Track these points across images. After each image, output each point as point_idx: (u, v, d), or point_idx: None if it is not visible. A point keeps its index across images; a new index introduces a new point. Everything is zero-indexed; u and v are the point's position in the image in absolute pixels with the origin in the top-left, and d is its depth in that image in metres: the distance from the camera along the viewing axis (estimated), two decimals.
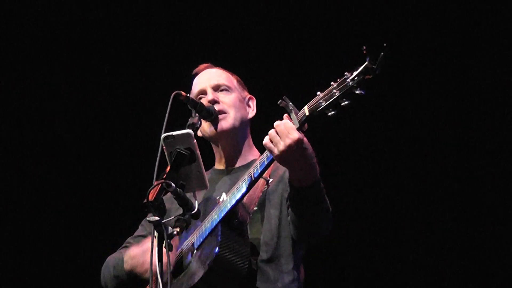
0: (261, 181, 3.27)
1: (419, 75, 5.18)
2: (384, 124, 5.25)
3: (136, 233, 3.60)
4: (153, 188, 2.82)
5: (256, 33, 5.51)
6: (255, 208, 3.29)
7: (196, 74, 3.62)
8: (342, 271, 5.30)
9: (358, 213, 5.24)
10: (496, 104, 5.07)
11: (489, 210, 5.02)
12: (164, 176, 2.86)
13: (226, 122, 3.46)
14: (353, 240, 5.25)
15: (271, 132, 2.99)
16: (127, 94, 5.67)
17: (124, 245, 3.58)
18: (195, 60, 3.69)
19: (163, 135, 2.93)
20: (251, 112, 3.60)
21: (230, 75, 3.62)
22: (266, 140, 3.02)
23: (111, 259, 3.50)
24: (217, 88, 3.53)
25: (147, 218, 2.82)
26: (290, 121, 2.99)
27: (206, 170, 3.56)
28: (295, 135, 2.96)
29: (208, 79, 3.56)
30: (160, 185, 2.82)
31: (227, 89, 3.54)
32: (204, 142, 3.55)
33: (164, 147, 2.94)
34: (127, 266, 3.35)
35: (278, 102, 3.01)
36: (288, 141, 2.95)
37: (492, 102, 5.08)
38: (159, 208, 2.82)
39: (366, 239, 5.24)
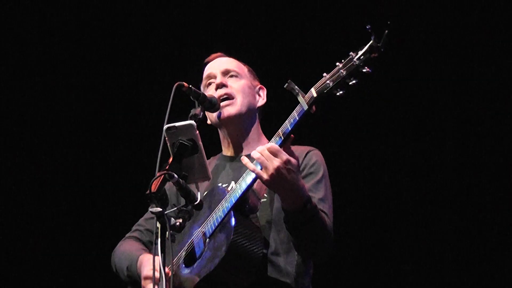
0: None
1: (422, 64, 5.16)
2: (384, 123, 5.25)
3: (146, 215, 3.58)
4: (155, 179, 2.81)
5: (257, 22, 5.50)
6: (265, 196, 3.29)
7: (208, 62, 3.62)
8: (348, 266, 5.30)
9: (360, 212, 5.23)
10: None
11: (489, 210, 5.00)
12: (167, 167, 2.86)
13: (232, 108, 3.45)
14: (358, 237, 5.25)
15: (258, 157, 3.00)
16: (130, 86, 5.67)
17: (135, 228, 3.58)
18: (198, 51, 3.68)
19: (165, 126, 2.92)
20: (261, 100, 3.58)
21: (241, 64, 3.61)
22: (252, 166, 3.03)
23: (124, 251, 3.47)
24: (226, 73, 3.52)
25: (150, 209, 2.82)
26: (272, 144, 3.00)
27: (214, 155, 3.59)
28: (283, 156, 2.97)
29: (219, 66, 3.56)
30: (162, 176, 2.82)
31: (236, 75, 3.53)
32: (212, 129, 3.55)
33: (166, 138, 2.93)
34: (140, 271, 3.31)
35: (285, 86, 3.00)
36: (277, 163, 2.97)
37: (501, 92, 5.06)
38: (162, 199, 2.81)
39: (370, 237, 5.24)
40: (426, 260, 5.11)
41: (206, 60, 3.63)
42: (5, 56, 5.70)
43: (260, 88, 3.60)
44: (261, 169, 3.01)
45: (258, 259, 3.13)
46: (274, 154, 2.98)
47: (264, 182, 3.02)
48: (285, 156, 2.98)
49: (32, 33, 5.71)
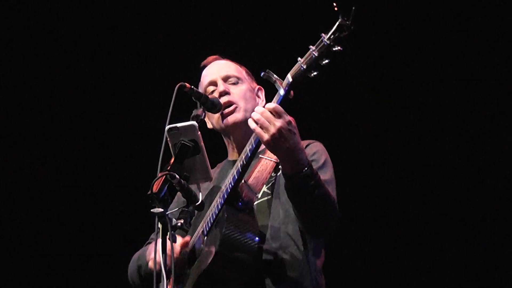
0: (270, 163, 3.25)
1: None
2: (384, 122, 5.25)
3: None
4: (157, 179, 2.81)
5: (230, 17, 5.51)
6: (266, 192, 3.28)
7: (205, 66, 3.62)
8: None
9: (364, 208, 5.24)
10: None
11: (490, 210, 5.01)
12: (168, 168, 2.86)
13: (237, 115, 3.46)
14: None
15: (258, 117, 2.97)
16: (131, 86, 5.68)
17: (148, 241, 3.59)
18: (199, 51, 3.67)
19: (167, 127, 2.92)
20: (261, 102, 3.59)
21: (238, 66, 3.61)
22: (253, 125, 3.00)
23: (137, 254, 3.49)
24: (226, 79, 3.53)
25: (152, 210, 2.82)
26: (276, 104, 2.96)
27: (219, 163, 3.60)
28: (286, 117, 2.95)
29: (218, 70, 3.56)
30: (164, 176, 2.82)
31: (237, 80, 3.54)
32: (214, 134, 3.56)
33: (168, 139, 2.93)
34: (148, 259, 3.33)
35: (261, 75, 3.01)
36: (279, 124, 2.94)
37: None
38: (163, 200, 2.81)
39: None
40: (428, 258, 5.12)
41: (203, 63, 3.63)
42: (12, 57, 5.71)
43: (258, 89, 3.61)
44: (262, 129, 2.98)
45: (253, 252, 3.10)
46: (278, 114, 2.95)
47: (264, 142, 2.98)
48: (287, 117, 2.95)
49: (34, 36, 5.72)
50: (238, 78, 3.54)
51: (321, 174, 3.16)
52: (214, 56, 3.63)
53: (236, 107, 3.46)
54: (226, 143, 3.60)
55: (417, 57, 5.17)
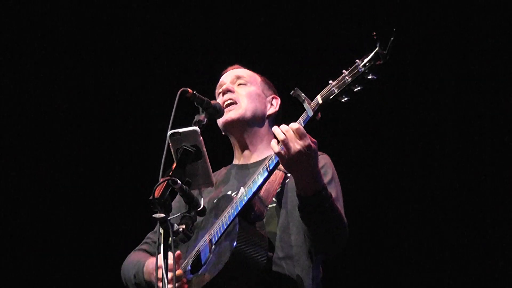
0: (279, 174, 3.25)
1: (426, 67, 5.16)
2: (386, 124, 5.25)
3: (155, 229, 3.57)
4: (159, 185, 2.80)
5: (262, 30, 5.49)
6: (274, 200, 3.28)
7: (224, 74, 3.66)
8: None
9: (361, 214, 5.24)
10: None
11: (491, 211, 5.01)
12: (170, 173, 2.85)
13: (234, 112, 3.47)
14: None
15: (283, 138, 2.95)
16: (134, 91, 5.67)
17: (144, 240, 3.58)
18: (204, 56, 3.67)
19: (169, 132, 2.91)
20: (272, 108, 3.58)
21: (255, 74, 3.63)
22: (274, 144, 2.99)
23: (132, 261, 3.47)
24: (236, 80, 3.55)
25: (153, 215, 2.81)
26: (300, 126, 2.95)
27: (225, 166, 3.60)
28: (307, 140, 2.94)
29: (230, 73, 3.60)
30: (166, 182, 2.81)
31: (245, 83, 3.55)
32: (217, 140, 3.55)
33: (170, 144, 2.92)
34: (146, 275, 3.32)
35: (291, 93, 3.00)
36: (298, 147, 2.93)
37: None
38: (165, 205, 2.80)
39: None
40: (430, 262, 5.13)
41: (223, 72, 3.66)
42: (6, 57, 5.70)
43: (273, 98, 3.60)
44: (282, 148, 2.97)
45: (261, 266, 3.10)
46: (300, 136, 2.94)
47: (281, 161, 2.98)
48: (308, 140, 2.95)
49: (38, 43, 5.72)
50: (247, 81, 3.55)
51: (329, 189, 3.16)
52: (234, 66, 3.67)
53: (235, 106, 3.46)
54: (232, 145, 3.60)
55: (417, 57, 5.17)
